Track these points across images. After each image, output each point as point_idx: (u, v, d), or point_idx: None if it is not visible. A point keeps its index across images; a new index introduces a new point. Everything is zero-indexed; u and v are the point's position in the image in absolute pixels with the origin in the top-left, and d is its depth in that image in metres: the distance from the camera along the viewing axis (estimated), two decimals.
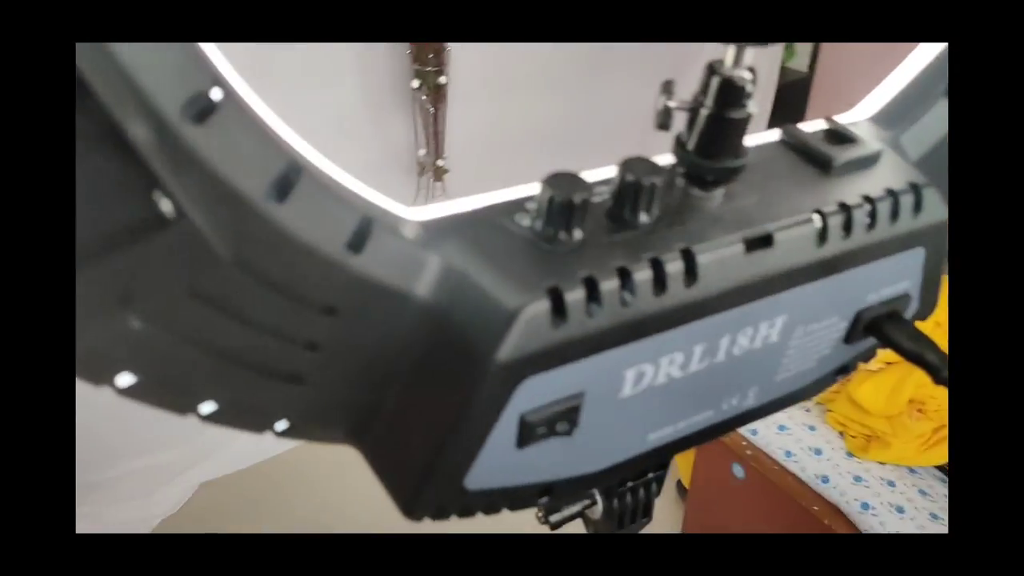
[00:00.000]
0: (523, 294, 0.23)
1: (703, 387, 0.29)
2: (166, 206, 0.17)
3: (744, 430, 1.36)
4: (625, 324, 0.25)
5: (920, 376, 1.27)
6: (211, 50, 0.20)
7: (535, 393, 0.25)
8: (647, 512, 0.38)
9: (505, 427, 0.25)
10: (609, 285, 0.24)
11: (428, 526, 0.28)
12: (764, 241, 0.27)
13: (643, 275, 0.25)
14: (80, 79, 0.16)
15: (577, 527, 0.38)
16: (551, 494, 0.29)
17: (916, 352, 0.31)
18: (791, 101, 2.21)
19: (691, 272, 0.25)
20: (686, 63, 1.60)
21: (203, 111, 0.18)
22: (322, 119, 1.40)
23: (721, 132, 0.26)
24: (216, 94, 0.18)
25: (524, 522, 0.36)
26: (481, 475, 0.26)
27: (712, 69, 0.26)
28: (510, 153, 1.69)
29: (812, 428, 1.36)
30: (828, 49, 2.16)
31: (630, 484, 0.37)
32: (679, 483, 1.61)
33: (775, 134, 0.32)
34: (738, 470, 1.35)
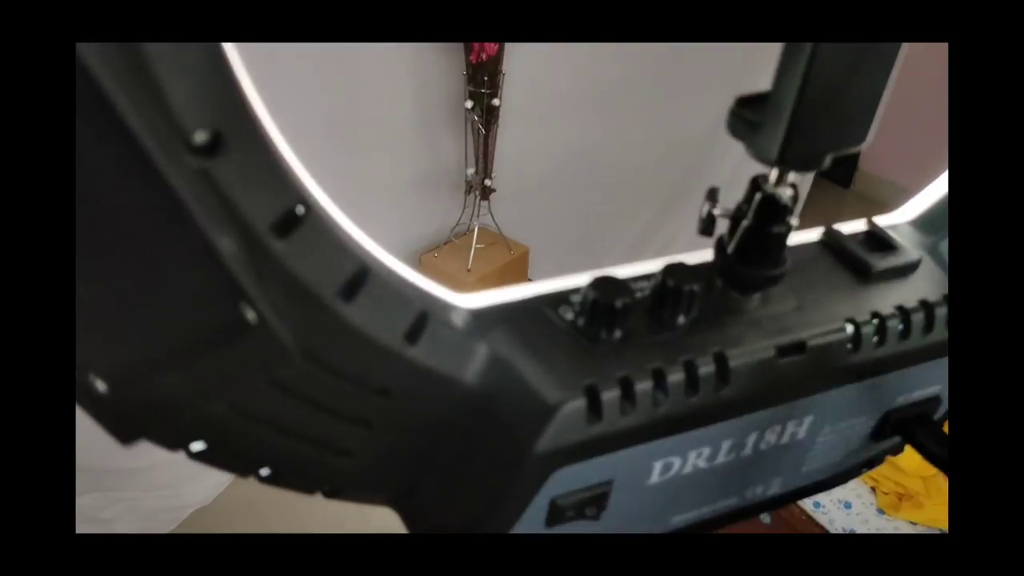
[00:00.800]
0: (563, 391, 0.25)
1: (728, 477, 0.31)
2: (250, 314, 0.19)
3: None
4: (656, 422, 0.26)
5: None
6: (298, 165, 0.22)
7: (567, 480, 0.26)
8: None
9: (537, 508, 0.26)
10: (644, 386, 0.26)
11: None
12: (797, 348, 0.28)
13: (676, 377, 0.26)
14: (177, 200, 0.18)
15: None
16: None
17: (941, 456, 0.32)
18: None
19: (723, 375, 0.27)
20: (731, 90, 1.60)
21: (288, 225, 0.20)
22: (378, 135, 1.44)
23: (761, 244, 0.27)
24: (300, 209, 0.21)
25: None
26: None
27: (756, 184, 0.27)
28: (556, 176, 1.71)
29: None
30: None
31: None
32: None
33: (816, 234, 0.33)
34: (765, 516, 1.34)
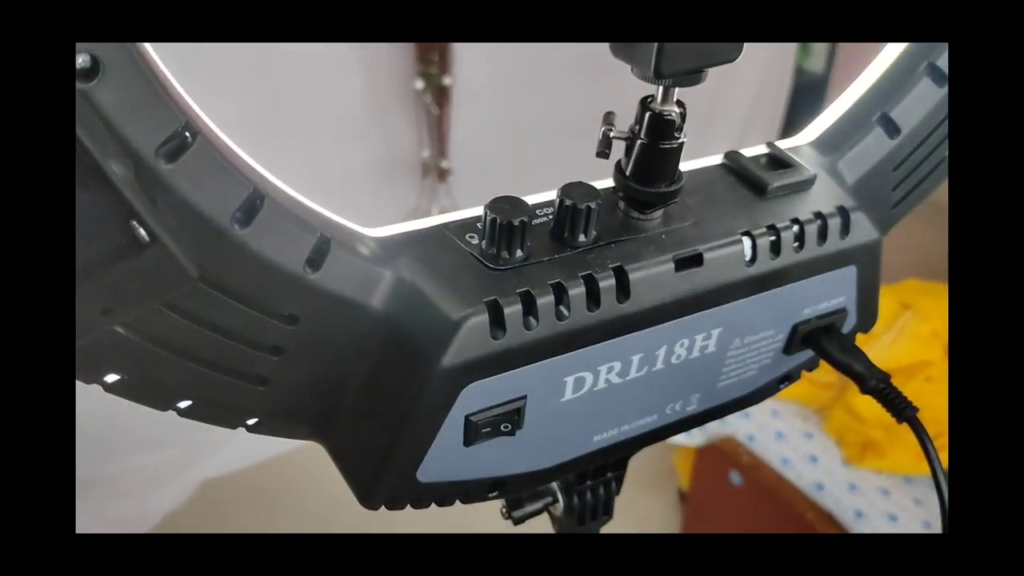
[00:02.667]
0: (465, 307, 0.26)
1: (644, 393, 0.32)
2: (142, 233, 0.20)
3: (741, 437, 1.38)
4: (561, 336, 0.27)
5: (917, 385, 1.29)
6: (182, 90, 0.22)
7: (479, 396, 0.27)
8: (608, 511, 0.41)
9: (452, 426, 0.28)
10: (545, 300, 0.27)
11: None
12: (694, 260, 0.29)
13: (577, 291, 0.27)
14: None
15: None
16: (502, 489, 0.32)
17: (844, 363, 0.34)
18: (807, 103, 2.22)
19: (623, 288, 0.28)
20: None
21: (175, 150, 0.21)
22: (325, 119, 1.43)
23: (654, 161, 0.29)
24: (187, 134, 0.21)
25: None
26: (432, 469, 0.29)
27: (644, 104, 0.28)
28: (515, 154, 1.72)
29: (809, 436, 1.38)
30: (845, 50, 2.16)
31: (589, 483, 0.39)
32: (680, 490, 1.64)
33: (718, 158, 0.34)
34: (735, 477, 1.37)
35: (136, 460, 1.49)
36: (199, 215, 0.22)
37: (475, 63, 1.51)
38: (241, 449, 1.63)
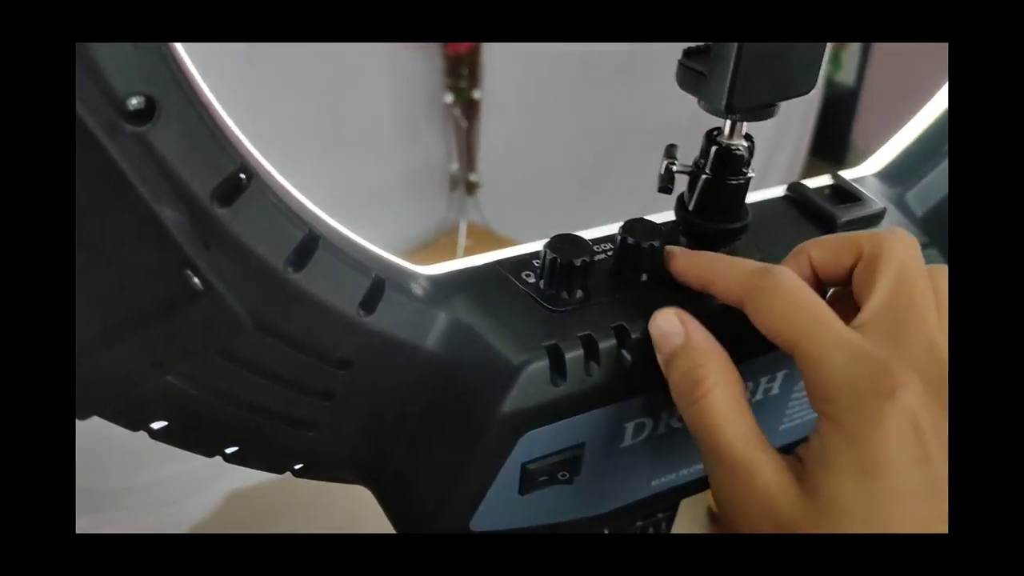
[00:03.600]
0: (526, 351, 0.25)
1: None
2: (197, 282, 0.19)
3: None
4: (622, 381, 0.26)
5: None
6: (238, 132, 0.21)
7: (537, 444, 0.26)
8: None
9: (508, 475, 0.26)
10: (607, 344, 0.25)
11: None
12: None
13: (639, 334, 0.26)
14: (116, 168, 0.18)
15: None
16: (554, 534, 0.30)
17: None
18: (837, 116, 2.18)
19: None
20: None
21: (230, 193, 0.20)
22: (356, 133, 1.44)
23: (720, 197, 0.27)
24: (243, 175, 0.20)
25: None
26: (486, 518, 0.27)
27: (711, 137, 0.27)
28: (543, 169, 1.71)
29: None
30: (876, 62, 2.12)
31: (639, 523, 0.38)
32: (709, 509, 1.61)
33: (781, 190, 0.33)
34: None
35: (166, 470, 1.50)
36: (253, 259, 0.21)
37: (504, 78, 1.51)
38: None
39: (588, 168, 1.77)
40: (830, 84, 2.14)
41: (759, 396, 0.30)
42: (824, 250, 0.26)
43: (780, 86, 0.24)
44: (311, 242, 0.22)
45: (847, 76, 2.24)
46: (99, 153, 0.17)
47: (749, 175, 0.27)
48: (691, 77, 0.25)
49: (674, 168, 0.28)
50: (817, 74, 0.25)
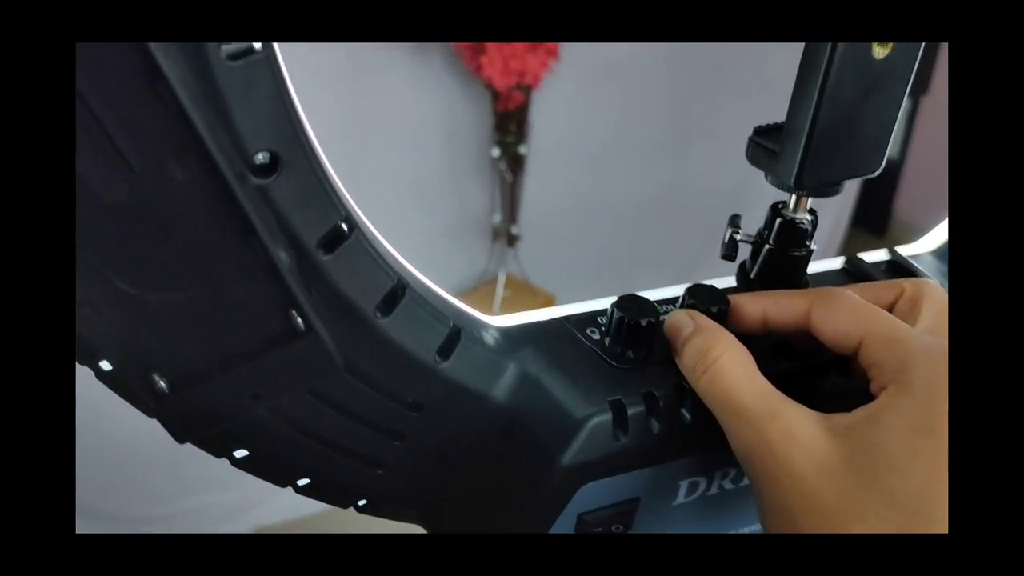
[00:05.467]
0: (589, 405, 0.26)
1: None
2: (300, 322, 0.21)
3: None
4: (680, 439, 0.27)
5: None
6: (341, 186, 0.23)
7: (594, 495, 0.27)
8: None
9: (564, 524, 0.27)
10: (668, 402, 0.26)
11: None
12: (818, 370, 0.28)
13: None
14: (243, 216, 0.20)
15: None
16: None
17: None
18: (880, 187, 2.17)
19: None
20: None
21: (334, 242, 0.22)
22: (404, 181, 1.48)
23: (781, 267, 0.28)
24: (345, 226, 0.22)
25: None
26: None
27: (776, 210, 0.28)
28: (583, 223, 1.73)
29: None
30: (920, 135, 2.13)
31: None
32: None
33: (838, 262, 0.34)
34: None
35: (192, 501, 1.51)
36: (348, 304, 0.22)
37: (551, 135, 1.54)
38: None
39: (628, 226, 1.79)
40: None
41: None
42: (864, 289, 0.27)
43: (849, 166, 0.26)
44: (399, 290, 0.24)
45: (891, 148, 2.24)
46: (228, 200, 0.19)
47: (811, 248, 0.28)
48: (761, 153, 0.26)
49: (738, 237, 0.29)
50: (884, 155, 0.26)
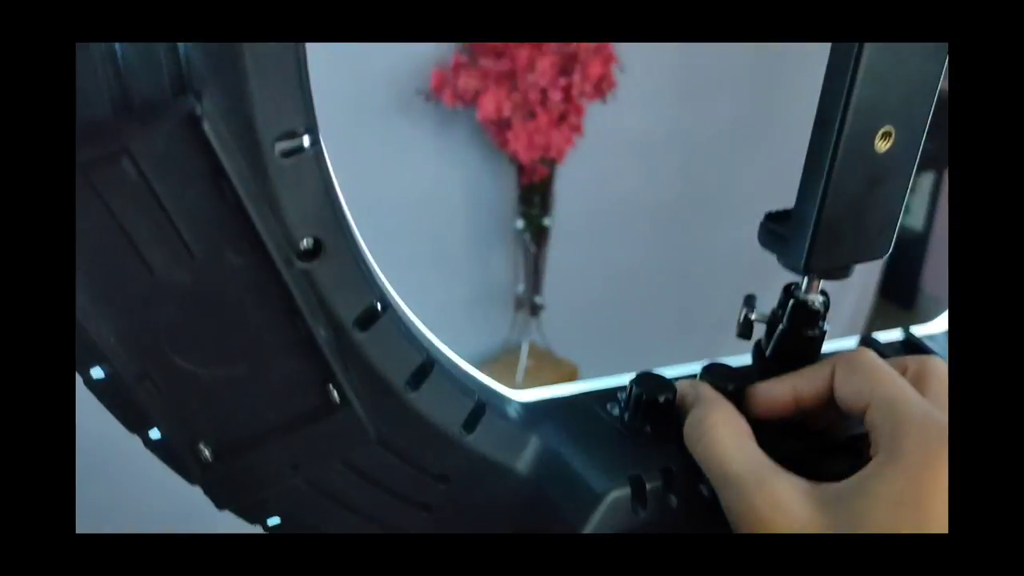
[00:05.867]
0: (608, 480, 0.27)
1: None
2: (336, 396, 0.22)
3: None
4: (698, 514, 0.27)
5: None
6: (376, 266, 0.25)
7: None
8: None
9: None
10: (685, 477, 0.27)
11: None
12: (837, 449, 0.29)
13: None
14: (289, 297, 0.21)
15: None
16: None
17: None
18: (906, 260, 2.16)
19: None
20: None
21: (368, 320, 0.23)
22: (430, 251, 1.51)
23: (795, 347, 0.29)
24: (379, 305, 0.24)
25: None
26: None
27: (789, 291, 0.29)
28: (606, 294, 1.75)
29: None
30: (945, 206, 2.13)
31: None
32: None
33: (853, 342, 0.35)
34: None
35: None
36: (380, 379, 0.24)
37: (575, 207, 1.58)
38: None
39: (651, 297, 1.80)
40: (899, 228, 2.14)
41: None
42: None
43: (856, 250, 0.27)
44: (427, 365, 0.25)
45: (916, 221, 2.25)
46: (276, 282, 0.21)
47: (824, 328, 0.29)
48: (772, 238, 0.28)
49: (752, 318, 0.30)
50: (892, 239, 0.28)
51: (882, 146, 0.25)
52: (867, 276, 1.91)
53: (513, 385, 0.30)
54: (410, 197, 1.43)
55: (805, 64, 1.56)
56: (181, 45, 0.19)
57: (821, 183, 0.25)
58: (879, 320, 2.20)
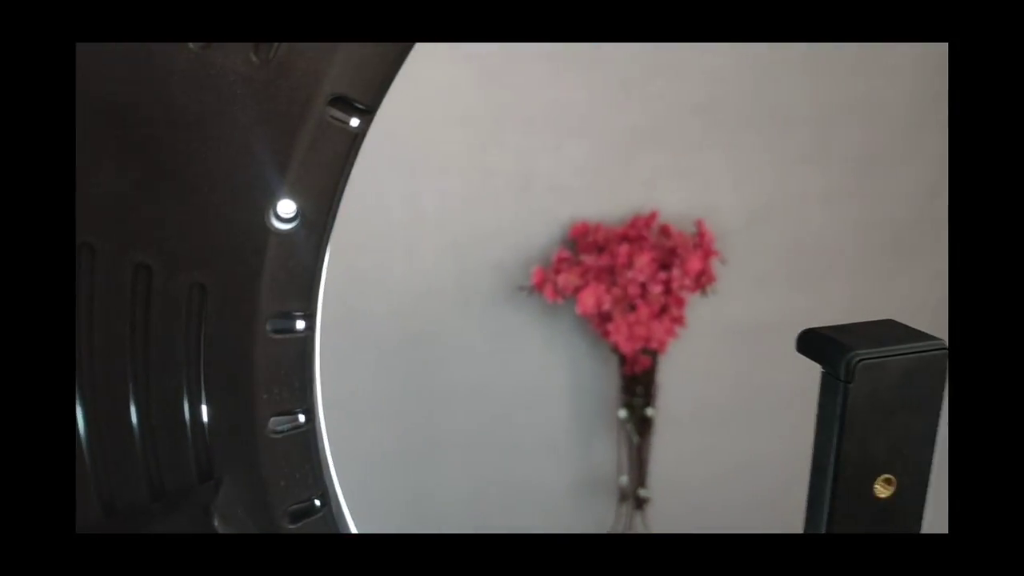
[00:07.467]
0: None
1: None
2: None
3: None
4: None
5: None
6: (327, 461, 0.28)
7: None
8: None
9: None
10: None
11: None
12: None
13: None
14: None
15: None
16: None
17: None
18: None
19: None
20: None
21: (300, 515, 0.26)
22: (531, 438, 1.52)
23: None
24: (316, 503, 0.26)
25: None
26: None
27: None
28: (715, 489, 1.65)
29: None
30: None
31: None
32: None
33: None
34: None
35: None
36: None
37: (679, 397, 1.55)
38: None
39: (762, 492, 1.68)
40: None
41: None
42: None
43: None
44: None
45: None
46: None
47: None
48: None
49: None
50: None
51: (884, 491, 0.25)
52: None
53: None
54: (515, 383, 1.47)
55: (915, 242, 1.52)
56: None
57: (823, 528, 0.25)
58: None
